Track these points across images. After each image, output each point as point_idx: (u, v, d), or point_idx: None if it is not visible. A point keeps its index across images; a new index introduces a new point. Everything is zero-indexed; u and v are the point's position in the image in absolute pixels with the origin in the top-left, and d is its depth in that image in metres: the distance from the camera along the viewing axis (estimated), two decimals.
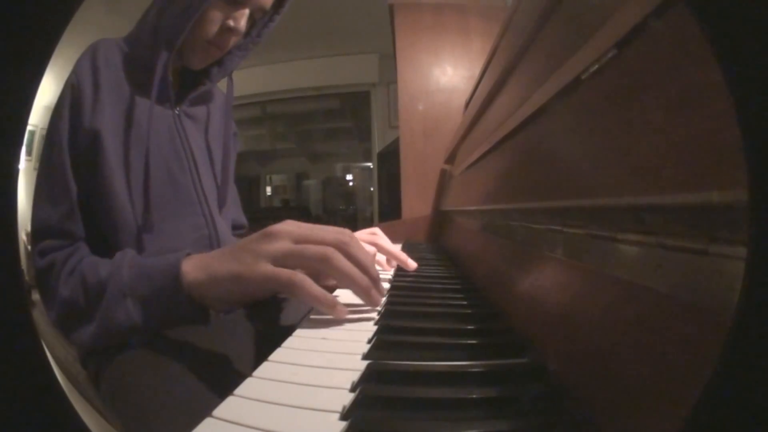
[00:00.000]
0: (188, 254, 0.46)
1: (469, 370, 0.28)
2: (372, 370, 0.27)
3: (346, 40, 3.58)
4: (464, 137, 1.10)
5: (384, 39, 2.00)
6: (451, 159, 1.40)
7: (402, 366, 0.28)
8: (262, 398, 0.24)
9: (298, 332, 0.38)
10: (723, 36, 0.16)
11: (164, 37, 0.57)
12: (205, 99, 0.69)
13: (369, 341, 0.34)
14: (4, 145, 0.18)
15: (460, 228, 0.95)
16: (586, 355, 0.24)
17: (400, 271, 0.67)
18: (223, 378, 0.43)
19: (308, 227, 0.43)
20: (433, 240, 1.41)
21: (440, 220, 1.43)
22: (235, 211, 0.80)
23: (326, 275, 0.45)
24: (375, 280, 0.42)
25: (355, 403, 0.23)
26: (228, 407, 0.23)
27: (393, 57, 1.79)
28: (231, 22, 0.59)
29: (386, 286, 0.53)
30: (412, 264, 0.66)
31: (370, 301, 0.42)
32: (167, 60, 0.57)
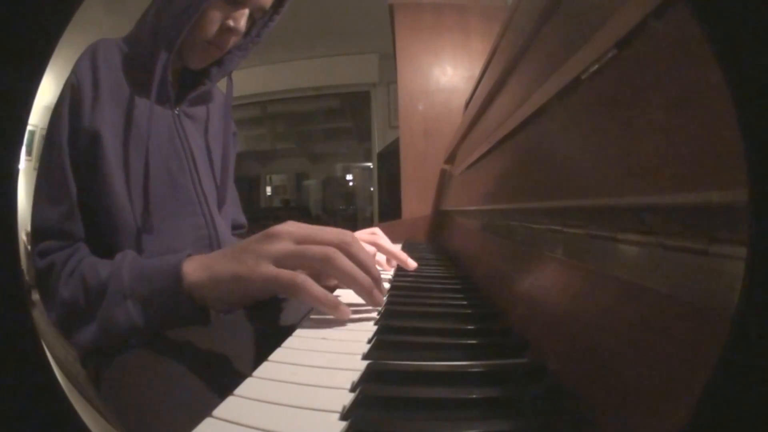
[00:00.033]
0: (189, 255, 0.46)
1: (469, 370, 0.28)
2: (372, 370, 0.27)
3: (346, 40, 3.58)
4: (464, 137, 1.10)
5: (384, 39, 2.00)
6: (451, 159, 1.40)
7: (402, 366, 0.28)
8: (262, 398, 0.24)
9: (298, 332, 0.38)
10: (723, 36, 0.16)
11: (164, 38, 0.57)
12: (205, 99, 0.69)
13: (369, 341, 0.34)
14: (4, 145, 0.18)
15: (460, 228, 0.95)
16: (586, 355, 0.24)
17: (400, 271, 0.67)
18: (223, 378, 0.43)
19: (309, 228, 0.43)
20: (433, 240, 1.41)
21: (440, 220, 1.43)
22: (234, 210, 0.80)
23: (327, 275, 0.45)
24: (376, 280, 0.42)
25: (355, 403, 0.23)
26: (228, 407, 0.23)
27: (393, 57, 1.79)
28: (231, 22, 0.59)
29: (386, 286, 0.53)
30: (412, 264, 0.66)
31: (372, 301, 0.42)
32: (167, 60, 0.57)
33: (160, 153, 0.60)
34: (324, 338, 0.36)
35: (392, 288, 0.54)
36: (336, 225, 0.45)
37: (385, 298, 0.43)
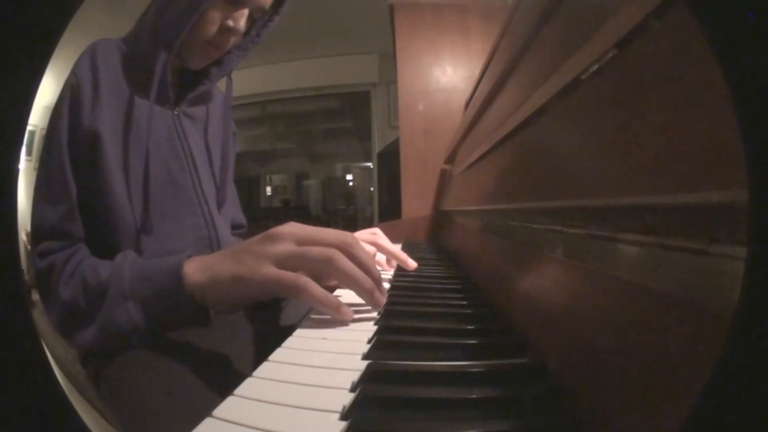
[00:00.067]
0: (189, 256, 0.45)
1: (469, 370, 0.28)
2: (372, 370, 0.27)
3: (346, 40, 3.58)
4: (464, 137, 1.10)
5: (384, 39, 2.00)
6: (451, 159, 1.40)
7: (402, 366, 0.28)
8: (262, 398, 0.24)
9: (298, 332, 0.38)
10: (723, 36, 0.16)
11: (163, 38, 0.57)
12: (205, 99, 0.69)
13: (369, 341, 0.34)
14: (4, 145, 0.18)
15: (460, 228, 0.96)
16: (586, 355, 0.24)
17: (400, 271, 0.67)
18: (223, 378, 0.43)
19: (311, 229, 0.43)
20: (433, 240, 1.41)
21: (440, 220, 1.43)
22: (234, 210, 0.80)
23: (328, 276, 0.45)
24: (377, 281, 0.42)
25: (355, 403, 0.23)
26: (228, 407, 0.23)
27: (393, 57, 1.79)
28: (230, 22, 0.59)
29: (386, 286, 0.53)
30: (412, 264, 0.66)
31: (373, 302, 0.42)
32: (166, 60, 0.57)
33: (159, 153, 0.60)
34: (324, 338, 0.36)
35: (392, 288, 0.54)
36: (336, 225, 0.46)
37: (384, 299, 0.43)
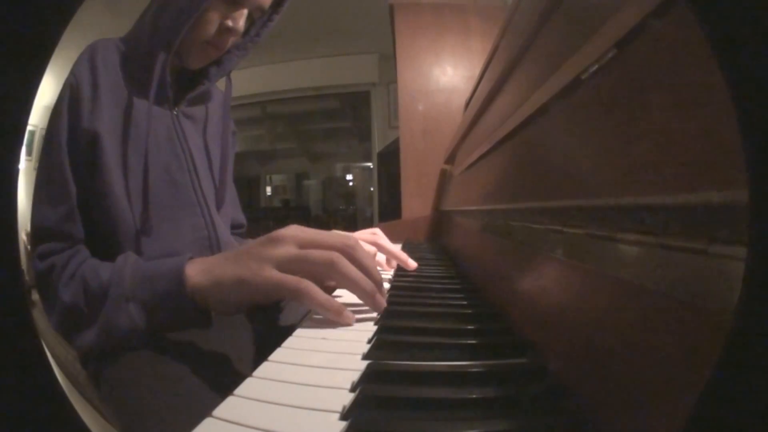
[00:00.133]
0: (191, 257, 0.45)
1: (469, 370, 0.28)
2: (372, 370, 0.27)
3: (346, 40, 3.58)
4: (464, 137, 1.10)
5: (384, 39, 2.00)
6: (451, 159, 1.40)
7: (402, 366, 0.28)
8: (262, 398, 0.24)
9: (298, 332, 0.38)
10: (723, 36, 0.16)
11: (162, 38, 0.57)
12: (204, 99, 0.69)
13: (369, 341, 0.34)
14: (4, 145, 0.18)
15: (460, 228, 0.95)
16: (586, 355, 0.24)
17: (401, 272, 0.67)
18: (223, 378, 0.43)
19: (312, 232, 0.43)
20: (433, 240, 1.41)
21: (440, 220, 1.43)
22: (234, 210, 0.80)
23: (329, 279, 0.45)
24: (378, 284, 0.42)
25: (355, 403, 0.23)
26: (228, 407, 0.23)
27: (393, 57, 1.79)
28: (229, 22, 0.59)
29: (386, 286, 0.53)
30: (412, 264, 0.66)
31: (375, 306, 0.42)
32: (165, 60, 0.57)
33: (159, 153, 0.59)
34: (324, 338, 0.36)
35: (392, 288, 0.54)
36: (336, 225, 0.46)
37: (385, 302, 0.43)
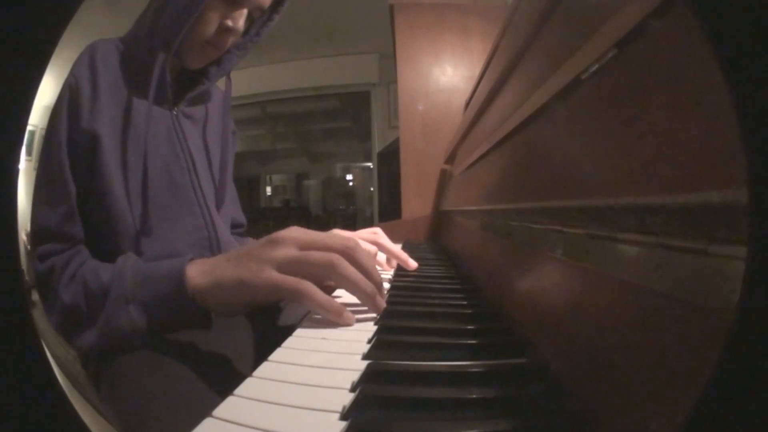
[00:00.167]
0: (191, 258, 0.46)
1: (469, 370, 0.28)
2: (372, 370, 0.27)
3: (346, 40, 3.58)
4: (464, 137, 1.10)
5: (384, 39, 2.00)
6: (451, 159, 1.40)
7: (402, 366, 0.28)
8: (262, 398, 0.24)
9: (298, 332, 0.38)
10: (723, 36, 0.16)
11: (162, 38, 0.57)
12: (204, 98, 0.69)
13: (369, 341, 0.34)
14: (4, 145, 0.18)
15: (460, 228, 0.95)
16: (586, 355, 0.24)
17: (400, 271, 0.67)
18: (223, 378, 0.43)
19: (313, 234, 0.43)
20: (433, 240, 1.41)
21: (440, 220, 1.43)
22: (234, 209, 0.80)
23: (329, 280, 0.45)
24: (379, 286, 0.42)
25: (355, 403, 0.23)
26: (228, 407, 0.23)
27: (393, 57, 1.79)
28: (229, 22, 0.59)
29: (386, 286, 0.53)
30: (412, 263, 0.66)
31: (375, 308, 0.42)
32: (165, 60, 0.57)
33: (158, 154, 0.59)
34: (324, 338, 0.36)
35: (392, 288, 0.54)
36: (336, 225, 0.46)
37: (384, 304, 0.43)
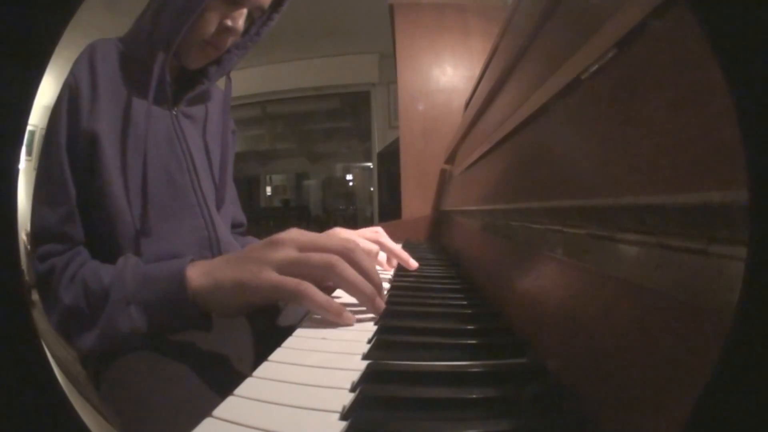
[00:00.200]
0: (192, 260, 0.46)
1: (469, 370, 0.28)
2: (372, 370, 0.27)
3: (346, 40, 3.58)
4: (464, 137, 1.10)
5: (384, 39, 2.00)
6: (451, 159, 1.40)
7: (402, 366, 0.28)
8: (262, 398, 0.24)
9: (298, 332, 0.38)
10: (723, 36, 0.16)
11: (161, 38, 0.57)
12: (204, 98, 0.69)
13: (369, 341, 0.34)
14: (4, 145, 0.18)
15: (460, 228, 0.95)
16: (586, 355, 0.24)
17: (401, 272, 0.67)
18: (223, 378, 0.43)
19: (312, 235, 0.43)
20: (433, 240, 1.41)
21: (440, 220, 1.43)
22: (234, 209, 0.80)
23: (329, 282, 0.45)
24: (378, 287, 0.42)
25: (355, 403, 0.23)
26: (228, 407, 0.23)
27: (393, 57, 1.79)
28: (229, 22, 0.59)
29: (386, 285, 0.53)
30: (413, 263, 0.66)
31: (374, 309, 0.42)
32: (164, 61, 0.57)
33: (158, 154, 0.59)
34: (324, 338, 0.36)
35: (392, 288, 0.54)
36: (336, 225, 0.46)
37: (383, 305, 0.43)
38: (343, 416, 0.22)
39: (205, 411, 0.22)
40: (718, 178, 0.17)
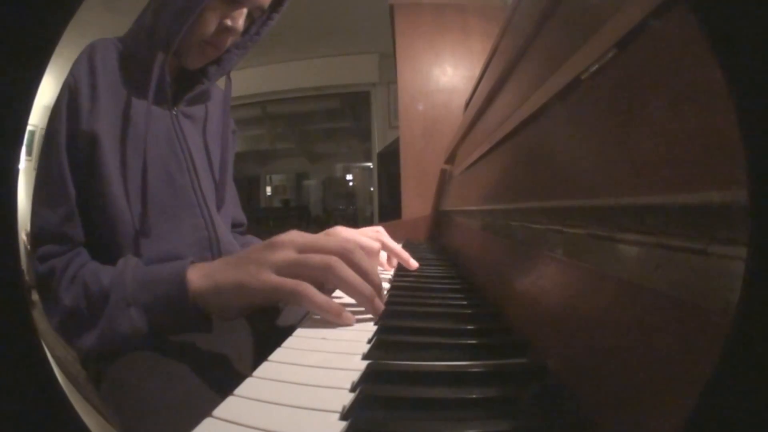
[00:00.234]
0: (192, 262, 0.46)
1: (469, 370, 0.28)
2: (372, 370, 0.27)
3: (346, 40, 3.58)
4: (464, 137, 1.10)
5: (384, 39, 2.00)
6: (451, 159, 1.40)
7: (402, 366, 0.28)
8: (262, 398, 0.24)
9: (298, 332, 0.38)
10: (723, 36, 0.16)
11: (161, 38, 0.56)
12: (203, 98, 0.69)
13: (369, 341, 0.34)
14: (4, 145, 0.18)
15: (460, 228, 0.96)
16: (586, 355, 0.24)
17: (401, 272, 0.67)
18: (223, 378, 0.43)
19: (312, 237, 0.43)
20: (433, 240, 1.41)
21: (440, 220, 1.43)
22: (234, 209, 0.80)
23: (327, 282, 0.45)
24: (378, 288, 0.42)
25: (355, 403, 0.23)
26: (228, 407, 0.23)
27: (393, 57, 1.79)
28: (228, 22, 0.59)
29: (386, 285, 0.53)
30: (413, 263, 0.66)
31: (373, 310, 0.41)
32: (164, 61, 0.57)
33: (158, 154, 0.59)
34: (324, 338, 0.36)
35: (392, 288, 0.54)
36: (336, 225, 0.46)
37: (383, 307, 0.43)
38: (343, 416, 0.22)
39: (205, 411, 0.22)
40: (718, 178, 0.17)
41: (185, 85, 0.65)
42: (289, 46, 3.36)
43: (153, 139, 0.58)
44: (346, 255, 0.41)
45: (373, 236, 0.64)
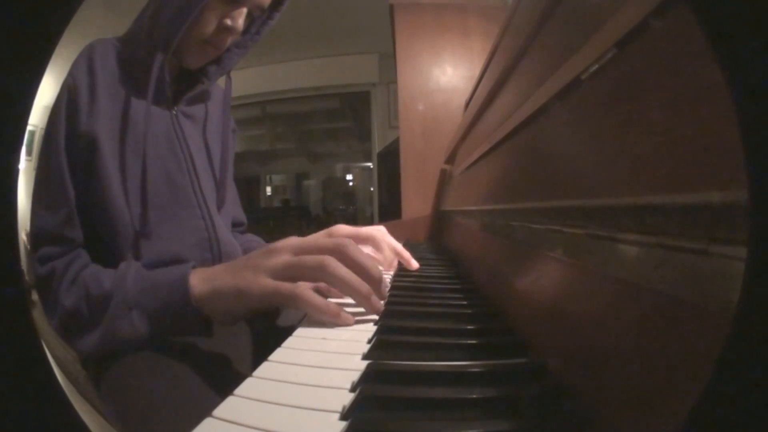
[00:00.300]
0: (194, 266, 0.46)
1: (469, 370, 0.28)
2: (372, 370, 0.27)
3: (346, 40, 3.58)
4: (464, 137, 1.10)
5: (384, 39, 2.00)
6: (451, 159, 1.40)
7: (402, 366, 0.28)
8: (262, 398, 0.24)
9: (298, 332, 0.38)
10: (723, 36, 0.16)
11: (160, 38, 0.56)
12: (203, 98, 0.69)
13: (369, 341, 0.34)
14: (4, 145, 0.18)
15: (460, 228, 0.95)
16: (586, 355, 0.24)
17: (401, 272, 0.67)
18: (223, 378, 0.43)
19: (308, 239, 0.44)
20: (433, 240, 1.41)
21: (440, 220, 1.43)
22: (234, 208, 0.80)
23: (324, 283, 0.45)
24: (378, 282, 0.42)
25: (355, 403, 0.23)
26: (228, 407, 0.23)
27: (393, 57, 1.79)
28: (228, 21, 0.59)
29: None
30: (415, 263, 0.66)
31: (371, 308, 0.41)
32: (163, 60, 0.57)
33: (158, 155, 0.59)
34: (324, 338, 0.36)
35: (392, 288, 0.54)
36: (336, 223, 0.46)
37: (382, 305, 0.43)
38: (343, 416, 0.22)
39: (205, 411, 0.22)
40: (718, 178, 0.17)
41: (185, 85, 0.65)
42: (289, 46, 3.36)
43: (153, 139, 0.58)
44: (339, 251, 0.41)
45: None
